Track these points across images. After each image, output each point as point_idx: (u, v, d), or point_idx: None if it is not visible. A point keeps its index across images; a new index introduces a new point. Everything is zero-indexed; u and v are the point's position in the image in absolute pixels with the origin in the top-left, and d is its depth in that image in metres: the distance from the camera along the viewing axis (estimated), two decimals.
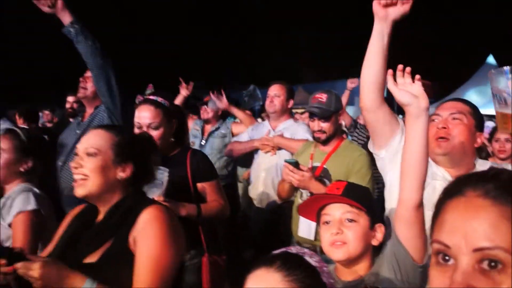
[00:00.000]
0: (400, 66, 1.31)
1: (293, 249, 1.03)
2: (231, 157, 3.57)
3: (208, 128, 4.00)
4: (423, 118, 1.22)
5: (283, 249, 1.05)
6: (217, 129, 3.92)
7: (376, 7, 1.43)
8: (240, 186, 4.21)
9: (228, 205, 2.30)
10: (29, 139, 1.83)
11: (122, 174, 1.33)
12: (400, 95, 1.26)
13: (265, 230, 3.04)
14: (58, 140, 3.14)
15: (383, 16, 1.43)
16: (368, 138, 4.61)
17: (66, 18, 2.34)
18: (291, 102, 3.13)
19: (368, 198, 1.39)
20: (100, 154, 1.30)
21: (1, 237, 1.70)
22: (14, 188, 1.78)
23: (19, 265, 1.11)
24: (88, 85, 2.60)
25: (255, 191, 3.14)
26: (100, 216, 1.34)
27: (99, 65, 2.36)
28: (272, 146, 3.01)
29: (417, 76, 1.28)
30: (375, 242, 1.33)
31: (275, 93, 3.07)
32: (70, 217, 1.43)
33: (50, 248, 1.36)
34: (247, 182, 3.96)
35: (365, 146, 3.83)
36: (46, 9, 2.33)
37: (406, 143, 1.26)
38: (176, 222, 1.31)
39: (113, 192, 1.32)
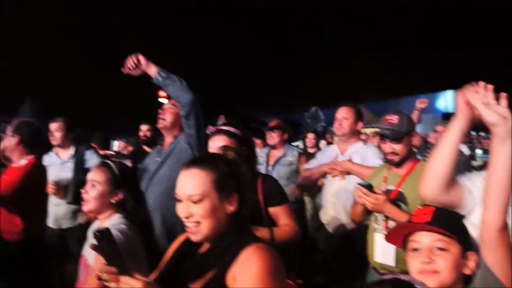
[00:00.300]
0: (482, 83, 1.27)
1: (403, 277, 1.02)
2: (305, 185, 3.58)
3: (275, 154, 4.03)
4: (510, 140, 1.19)
5: (392, 275, 1.04)
6: (284, 155, 3.95)
7: (460, 103, 1.37)
8: (308, 210, 4.19)
9: (299, 230, 2.31)
10: (121, 172, 1.91)
11: (230, 208, 1.28)
12: (488, 115, 1.22)
13: (338, 255, 2.98)
14: (138, 167, 3.35)
15: (466, 114, 1.38)
16: None
17: (152, 70, 2.50)
18: (360, 124, 3.09)
19: (458, 224, 1.34)
20: (205, 198, 1.24)
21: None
22: (106, 221, 1.86)
23: (123, 279, 1.12)
24: (167, 116, 2.74)
25: (326, 216, 3.10)
26: (204, 247, 1.32)
27: (190, 102, 2.49)
28: (340, 171, 2.98)
29: (503, 94, 1.23)
30: (467, 271, 1.27)
31: (344, 115, 3.05)
32: (177, 243, 1.45)
33: (155, 273, 1.39)
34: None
35: None
36: (134, 72, 2.52)
37: (491, 164, 1.23)
38: (279, 262, 1.22)
39: (222, 225, 1.28)
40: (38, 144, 2.94)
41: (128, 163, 3.99)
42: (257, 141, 6.78)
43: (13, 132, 2.85)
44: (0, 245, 2.80)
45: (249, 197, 2.06)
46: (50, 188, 3.44)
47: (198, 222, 1.24)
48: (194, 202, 1.24)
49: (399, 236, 1.36)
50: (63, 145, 3.73)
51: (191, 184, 1.25)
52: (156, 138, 4.42)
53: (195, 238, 1.26)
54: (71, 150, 3.75)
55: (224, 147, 1.47)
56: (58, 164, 3.68)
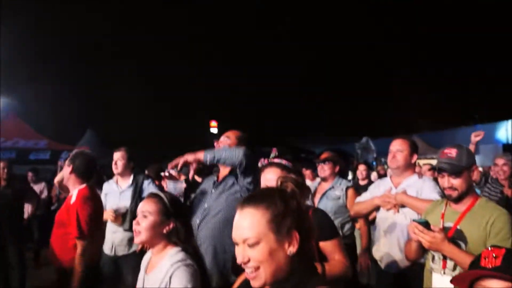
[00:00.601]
0: None
1: None
2: (357, 218, 3.49)
3: (324, 186, 3.98)
4: None
5: None
6: (330, 189, 3.90)
7: None
8: (358, 245, 4.07)
9: (350, 265, 2.24)
10: (171, 202, 1.92)
11: (291, 249, 1.16)
12: None
13: None
14: (189, 196, 3.42)
15: None
16: (502, 193, 4.13)
17: (200, 157, 2.59)
18: (415, 157, 2.99)
19: None
20: (262, 241, 1.14)
21: None
22: (162, 254, 1.86)
23: None
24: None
25: (378, 252, 2.98)
26: None
27: (242, 161, 2.53)
28: (394, 204, 2.89)
29: None
30: None
31: (398, 148, 2.97)
32: (238, 283, 1.42)
33: None
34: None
35: (499, 202, 3.46)
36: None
37: None
38: None
39: (283, 267, 1.16)
40: (90, 173, 3.08)
41: (183, 184, 4.07)
42: (307, 172, 6.74)
43: (68, 162, 3.04)
44: (59, 272, 2.95)
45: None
46: (109, 215, 3.61)
47: (256, 267, 1.14)
48: (250, 246, 1.15)
49: (466, 280, 1.30)
50: (123, 173, 3.90)
51: (245, 226, 1.17)
52: (207, 169, 4.52)
53: (255, 284, 1.16)
54: (130, 179, 3.91)
55: (283, 178, 1.30)
56: (117, 192, 3.86)
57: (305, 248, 1.19)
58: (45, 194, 7.09)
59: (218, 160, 2.57)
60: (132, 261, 3.61)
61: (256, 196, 1.24)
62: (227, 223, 2.49)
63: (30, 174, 7.44)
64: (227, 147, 2.63)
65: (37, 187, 7.05)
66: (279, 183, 1.29)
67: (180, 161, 2.58)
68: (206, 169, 4.47)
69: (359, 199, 3.29)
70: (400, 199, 2.85)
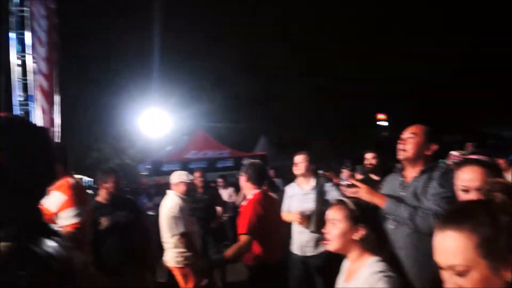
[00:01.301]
0: None
1: None
2: None
3: None
4: None
5: None
6: None
7: None
8: None
9: None
10: (357, 207, 1.90)
11: (508, 275, 0.98)
12: None
13: None
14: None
15: None
16: None
17: (378, 203, 2.45)
18: None
19: None
20: (472, 269, 0.99)
21: None
22: (359, 263, 1.85)
23: None
24: (408, 147, 2.54)
25: None
26: None
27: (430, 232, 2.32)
28: None
29: None
30: None
31: None
32: None
33: None
34: None
35: None
36: None
37: None
38: None
39: None
40: (262, 179, 3.47)
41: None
42: (499, 161, 5.89)
43: (243, 171, 3.45)
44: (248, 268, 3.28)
45: None
46: (295, 217, 3.84)
47: None
48: (458, 274, 1.01)
49: None
50: (305, 175, 4.09)
51: (450, 251, 1.02)
52: (382, 166, 4.37)
53: None
54: (312, 182, 4.07)
55: (489, 186, 1.08)
56: (301, 195, 4.05)
57: None
58: (233, 198, 7.90)
59: (397, 215, 2.38)
60: (320, 261, 3.72)
61: (457, 214, 1.06)
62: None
63: (220, 180, 8.43)
64: (413, 216, 2.34)
65: (226, 192, 7.94)
66: (484, 192, 1.08)
67: (356, 194, 2.50)
68: (383, 168, 4.32)
69: None
70: None
